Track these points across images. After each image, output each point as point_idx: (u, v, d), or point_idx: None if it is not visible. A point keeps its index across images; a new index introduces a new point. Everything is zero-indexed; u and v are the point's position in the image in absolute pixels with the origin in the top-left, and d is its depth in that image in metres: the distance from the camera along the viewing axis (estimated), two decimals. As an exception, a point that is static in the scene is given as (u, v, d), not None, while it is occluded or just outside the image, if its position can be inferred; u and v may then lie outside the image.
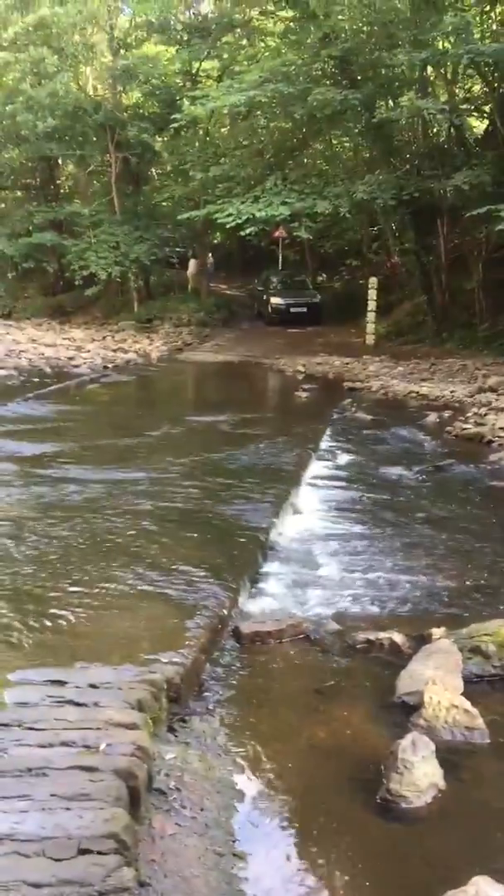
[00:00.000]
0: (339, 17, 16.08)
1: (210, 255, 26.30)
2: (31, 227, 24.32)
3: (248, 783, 2.71)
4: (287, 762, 2.85)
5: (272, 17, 22.46)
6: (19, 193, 29.07)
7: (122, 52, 23.92)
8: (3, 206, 29.28)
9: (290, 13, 20.42)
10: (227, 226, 18.29)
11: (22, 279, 28.83)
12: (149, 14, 22.85)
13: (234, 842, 2.41)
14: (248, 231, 18.16)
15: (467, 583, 4.60)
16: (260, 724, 3.10)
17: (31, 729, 2.59)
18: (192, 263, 26.08)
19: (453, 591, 4.46)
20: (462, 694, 3.16)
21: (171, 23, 23.86)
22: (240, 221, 17.65)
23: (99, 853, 2.03)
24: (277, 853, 2.41)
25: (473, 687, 3.33)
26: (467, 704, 3.07)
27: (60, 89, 21.59)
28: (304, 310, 22.35)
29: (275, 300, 22.83)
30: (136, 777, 2.36)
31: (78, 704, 2.76)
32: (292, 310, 22.33)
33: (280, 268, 24.51)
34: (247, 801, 2.62)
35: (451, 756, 2.82)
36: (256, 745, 2.93)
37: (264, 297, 23.86)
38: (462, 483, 7.11)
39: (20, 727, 2.60)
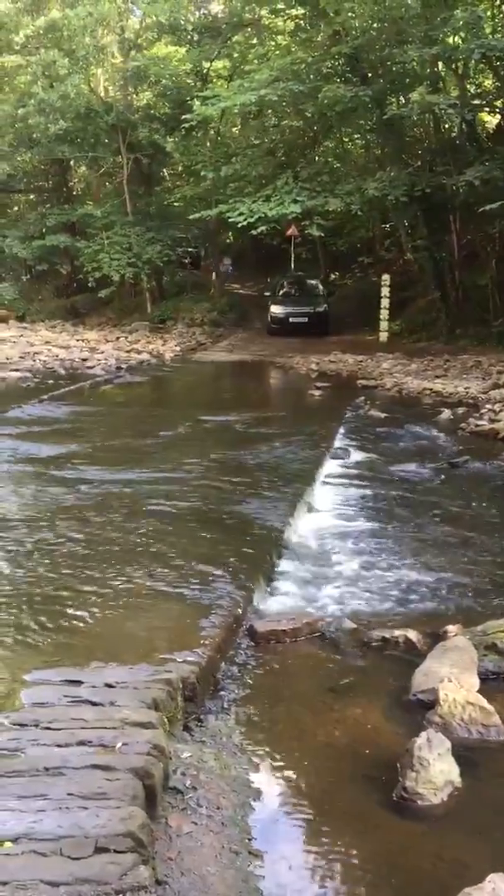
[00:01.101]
0: (349, 14, 16.05)
1: (228, 257, 26.16)
2: (44, 230, 24.43)
3: (263, 781, 2.72)
4: (302, 760, 2.85)
5: (282, 16, 22.46)
6: (32, 196, 29.22)
7: (132, 53, 23.98)
8: (16, 208, 29.45)
9: (300, 11, 20.43)
10: (239, 224, 18.30)
11: (35, 281, 28.99)
12: (159, 15, 22.87)
13: (250, 840, 2.41)
14: (259, 230, 18.17)
15: (482, 579, 4.58)
16: (275, 723, 3.10)
17: (47, 728, 2.61)
18: (225, 264, 25.91)
19: (468, 588, 4.45)
20: (478, 691, 3.15)
21: (182, 23, 23.89)
22: (251, 220, 17.66)
23: (116, 851, 2.04)
24: (293, 851, 2.42)
25: (489, 684, 3.32)
26: (483, 702, 3.06)
27: (72, 92, 21.66)
28: (305, 319, 21.05)
29: (274, 308, 21.73)
30: (153, 776, 2.37)
31: (94, 704, 2.77)
32: (291, 319, 21.13)
33: (293, 267, 24.14)
34: (263, 800, 2.63)
35: (467, 753, 2.81)
36: (272, 744, 2.94)
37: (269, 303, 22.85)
38: (477, 480, 7.09)
39: (37, 727, 2.62)
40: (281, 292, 22.52)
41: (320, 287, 22.74)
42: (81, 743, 2.51)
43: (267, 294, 23.65)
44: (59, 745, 2.50)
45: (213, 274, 26.38)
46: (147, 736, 2.55)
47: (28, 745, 2.51)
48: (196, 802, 2.49)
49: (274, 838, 2.46)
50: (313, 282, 23.19)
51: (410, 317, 20.58)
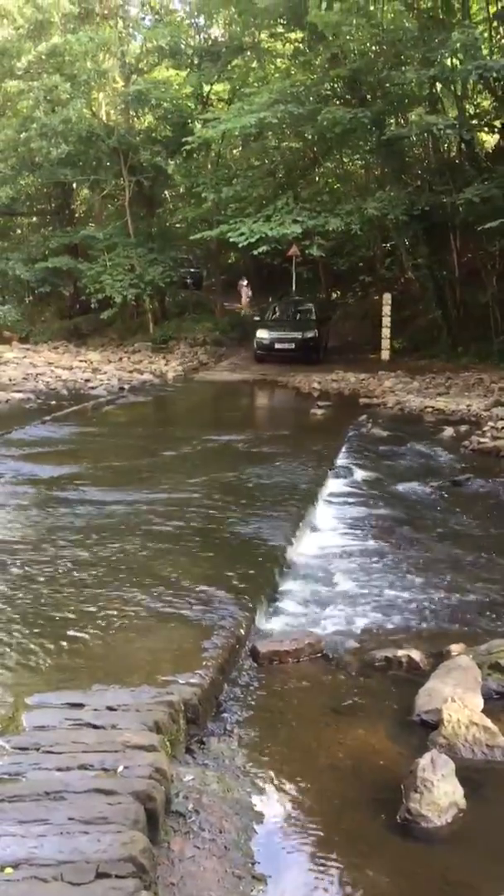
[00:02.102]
0: (348, 37, 16.21)
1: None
2: (46, 252, 24.55)
3: (267, 804, 2.70)
4: (306, 782, 2.84)
5: (281, 39, 22.70)
6: (35, 219, 29.39)
7: (133, 77, 24.18)
8: (19, 231, 29.62)
9: (299, 35, 20.65)
10: (240, 245, 18.41)
11: (38, 303, 29.09)
12: (160, 40, 23.10)
13: (253, 864, 2.40)
14: (260, 249, 18.27)
15: (486, 599, 4.57)
16: (278, 745, 3.08)
17: (49, 752, 2.60)
18: (243, 290, 25.75)
19: (471, 607, 4.43)
20: (482, 711, 3.13)
21: (182, 47, 24.13)
22: (252, 241, 17.77)
23: (117, 877, 2.03)
24: (297, 875, 2.40)
25: (493, 704, 3.31)
26: (487, 722, 3.04)
27: (74, 116, 21.83)
28: (291, 346, 19.45)
29: (260, 333, 20.05)
30: (154, 799, 2.36)
31: (96, 727, 2.76)
32: (277, 346, 19.56)
33: (294, 287, 23.95)
34: (266, 823, 2.61)
35: (471, 774, 2.80)
36: (275, 766, 2.92)
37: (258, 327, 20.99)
38: (479, 498, 7.08)
39: (38, 751, 2.61)
40: (272, 316, 21.25)
41: (313, 311, 21.09)
42: (83, 767, 2.50)
43: (256, 319, 21.89)
44: (60, 769, 2.49)
45: (247, 303, 26.27)
46: (149, 759, 2.53)
47: (29, 769, 2.50)
48: (198, 826, 2.48)
49: (277, 862, 2.44)
50: (307, 306, 21.64)
51: (412, 335, 20.62)
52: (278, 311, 21.48)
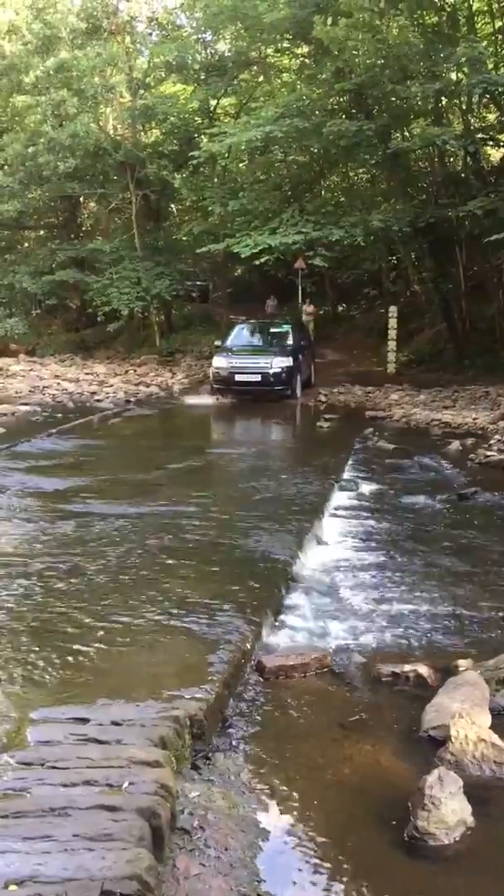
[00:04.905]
0: (353, 51, 16.29)
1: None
2: (53, 265, 24.70)
3: (273, 821, 2.67)
4: (312, 799, 2.81)
5: (287, 54, 22.86)
6: (42, 232, 29.57)
7: (141, 92, 24.36)
8: (26, 244, 29.78)
9: (305, 49, 20.80)
10: (243, 255, 18.47)
11: (45, 316, 29.24)
12: (166, 55, 23.29)
13: (259, 882, 2.37)
14: (264, 260, 18.30)
15: (493, 613, 4.54)
16: (284, 761, 3.06)
17: (53, 768, 2.58)
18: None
19: (479, 622, 4.40)
20: (490, 727, 3.10)
21: (189, 62, 24.30)
22: (255, 252, 17.82)
23: (122, 895, 2.01)
24: (303, 893, 2.37)
25: (502, 720, 3.28)
26: (496, 738, 3.01)
27: (81, 130, 21.99)
28: (257, 378, 15.09)
29: (216, 361, 15.86)
30: (160, 816, 2.34)
31: (101, 742, 2.75)
32: (238, 377, 15.18)
33: (301, 299, 23.27)
34: (272, 840, 2.58)
35: (479, 792, 2.77)
36: (281, 782, 2.90)
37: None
38: (486, 511, 7.05)
39: (43, 766, 2.60)
40: (235, 339, 16.89)
41: (290, 335, 16.69)
42: (87, 782, 2.48)
43: (217, 344, 17.93)
44: (64, 785, 2.47)
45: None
46: (154, 775, 2.51)
47: (34, 784, 2.48)
48: (204, 843, 2.45)
49: (283, 880, 2.41)
50: (283, 327, 17.28)
51: (418, 348, 20.64)
52: (246, 334, 17.27)
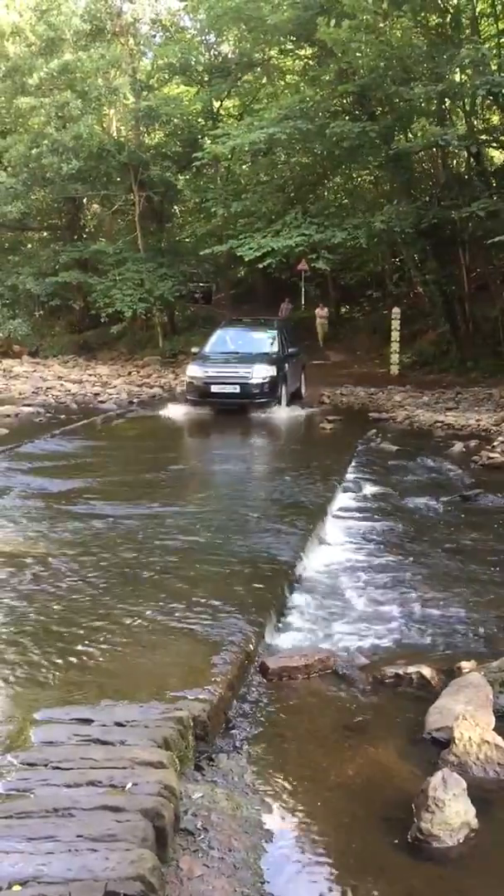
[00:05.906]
0: (357, 53, 16.31)
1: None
2: (56, 266, 24.74)
3: (276, 822, 2.67)
4: (316, 801, 2.81)
5: (291, 56, 22.88)
6: (45, 234, 29.62)
7: (144, 93, 24.41)
8: (29, 246, 29.83)
9: (308, 51, 20.82)
10: (247, 258, 18.47)
11: (48, 317, 29.28)
12: (170, 56, 23.35)
13: (262, 883, 2.37)
14: (267, 262, 18.30)
15: (496, 615, 4.53)
16: (288, 762, 3.06)
17: (57, 768, 2.58)
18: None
19: (483, 624, 4.39)
20: (494, 729, 3.09)
21: (192, 64, 24.36)
22: (258, 254, 17.83)
23: (125, 895, 2.01)
24: (306, 895, 2.37)
25: (505, 722, 3.27)
26: (499, 740, 3.01)
27: (85, 132, 22.05)
28: (235, 390, 13.45)
29: (191, 370, 14.16)
30: (163, 817, 2.33)
31: (104, 743, 2.74)
32: (214, 388, 13.58)
33: (303, 302, 23.38)
34: (275, 841, 2.58)
35: (483, 794, 2.76)
36: (285, 784, 2.89)
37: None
38: (489, 513, 7.04)
39: (46, 767, 2.59)
40: (216, 348, 15.07)
41: (276, 340, 14.84)
42: (91, 783, 2.48)
43: (194, 351, 16.20)
44: (68, 786, 2.47)
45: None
46: (158, 776, 2.51)
47: (37, 785, 2.48)
48: (207, 844, 2.45)
49: (287, 881, 2.41)
50: (268, 332, 15.33)
51: (421, 349, 20.64)
52: (227, 339, 15.44)
